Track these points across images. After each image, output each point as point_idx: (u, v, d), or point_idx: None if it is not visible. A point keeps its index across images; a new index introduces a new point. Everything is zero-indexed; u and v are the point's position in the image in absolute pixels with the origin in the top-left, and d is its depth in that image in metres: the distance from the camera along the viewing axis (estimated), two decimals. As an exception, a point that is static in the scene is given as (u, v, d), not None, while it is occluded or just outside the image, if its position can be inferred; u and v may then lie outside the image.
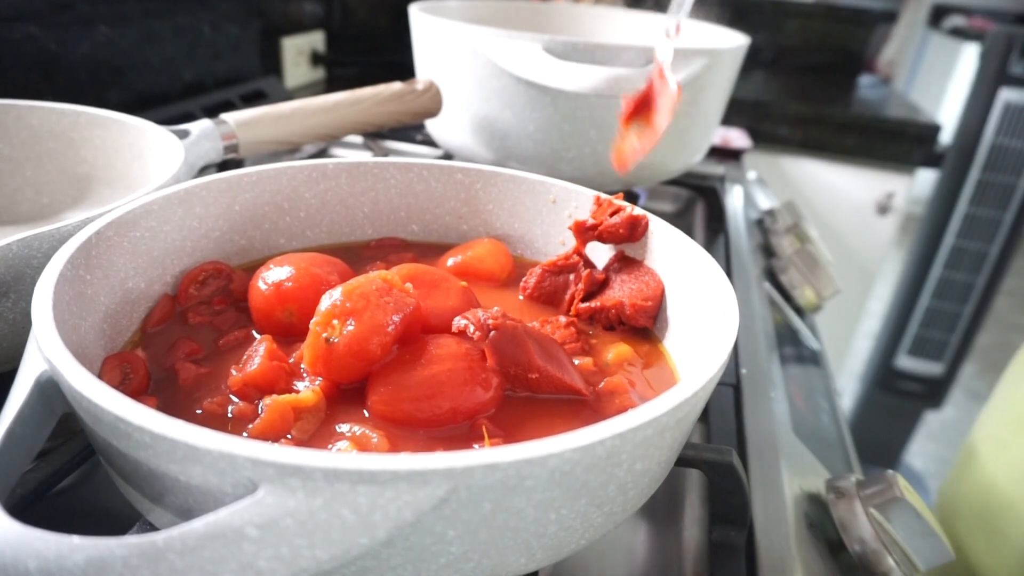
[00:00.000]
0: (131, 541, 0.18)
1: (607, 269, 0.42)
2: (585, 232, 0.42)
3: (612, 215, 0.41)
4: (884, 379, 1.67)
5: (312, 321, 0.30)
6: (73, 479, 0.34)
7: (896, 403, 1.68)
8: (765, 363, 0.52)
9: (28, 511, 0.30)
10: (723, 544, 0.35)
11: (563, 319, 0.39)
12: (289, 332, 0.34)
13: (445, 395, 0.29)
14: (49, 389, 0.25)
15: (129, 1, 0.79)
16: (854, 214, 1.36)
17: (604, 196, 0.43)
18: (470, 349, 0.31)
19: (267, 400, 0.28)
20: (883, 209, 1.33)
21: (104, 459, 0.26)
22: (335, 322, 0.29)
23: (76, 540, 0.18)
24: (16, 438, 0.23)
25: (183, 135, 0.51)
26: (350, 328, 0.29)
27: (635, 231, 0.41)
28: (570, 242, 0.44)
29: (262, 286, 0.35)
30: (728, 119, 0.94)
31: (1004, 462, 0.61)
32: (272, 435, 0.28)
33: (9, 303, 0.34)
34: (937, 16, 1.64)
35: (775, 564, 0.34)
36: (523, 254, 0.47)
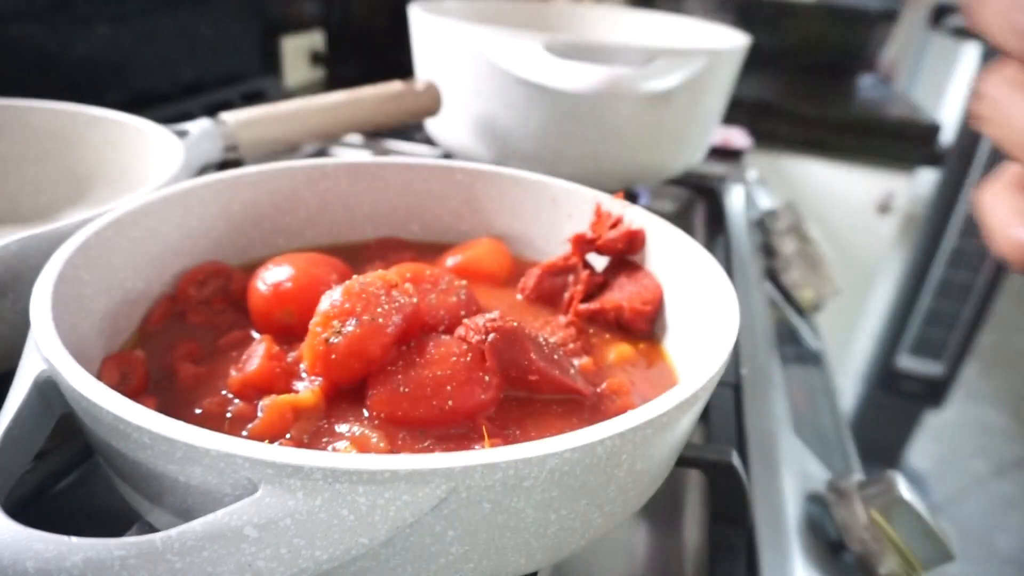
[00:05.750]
0: (129, 541, 0.18)
1: (606, 271, 0.42)
2: (583, 246, 0.42)
3: (611, 228, 0.41)
4: (885, 379, 1.66)
5: (312, 321, 0.30)
6: (72, 479, 0.34)
7: (897, 403, 1.68)
8: (765, 363, 0.52)
9: (26, 512, 0.30)
10: (723, 544, 0.35)
11: (563, 319, 0.39)
12: (288, 332, 0.34)
13: (445, 395, 0.29)
14: (48, 389, 0.25)
15: (128, 0, 0.79)
16: (854, 214, 1.36)
17: (603, 199, 0.43)
18: (470, 349, 0.30)
19: (266, 400, 0.28)
20: (884, 209, 1.33)
21: (103, 459, 0.26)
22: (335, 322, 0.29)
23: (74, 540, 0.18)
24: (14, 438, 0.23)
25: (182, 135, 0.51)
26: (350, 328, 0.29)
27: (633, 245, 0.41)
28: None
29: (261, 286, 0.35)
30: (728, 118, 0.94)
31: None
32: (271, 435, 0.28)
33: (8, 303, 0.34)
34: (938, 16, 1.63)
35: (775, 564, 0.34)
36: (523, 254, 0.47)
